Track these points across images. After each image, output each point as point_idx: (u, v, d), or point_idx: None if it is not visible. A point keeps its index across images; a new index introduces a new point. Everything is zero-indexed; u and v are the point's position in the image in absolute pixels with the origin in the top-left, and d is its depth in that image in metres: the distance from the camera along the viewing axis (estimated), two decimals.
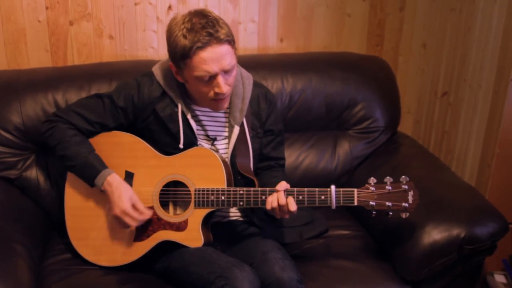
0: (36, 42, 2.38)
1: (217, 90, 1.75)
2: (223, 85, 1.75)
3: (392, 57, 2.79)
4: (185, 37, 1.70)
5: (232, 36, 1.75)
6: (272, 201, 1.75)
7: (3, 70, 2.32)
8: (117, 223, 1.85)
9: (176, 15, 1.77)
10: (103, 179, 1.82)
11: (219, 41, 1.70)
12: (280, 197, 1.75)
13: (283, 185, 1.77)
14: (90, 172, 1.84)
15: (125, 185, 1.84)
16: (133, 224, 1.82)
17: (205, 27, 1.69)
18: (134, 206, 1.82)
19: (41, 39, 2.38)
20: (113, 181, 1.83)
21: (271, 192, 1.77)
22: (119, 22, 2.43)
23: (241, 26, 2.57)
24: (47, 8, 2.34)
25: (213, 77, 1.74)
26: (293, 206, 1.74)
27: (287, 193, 1.77)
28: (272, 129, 2.02)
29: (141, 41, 2.48)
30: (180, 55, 1.73)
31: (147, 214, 1.84)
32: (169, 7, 2.46)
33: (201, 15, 1.72)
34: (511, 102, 2.22)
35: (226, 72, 1.75)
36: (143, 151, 1.89)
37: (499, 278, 2.41)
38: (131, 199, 1.82)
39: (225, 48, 1.72)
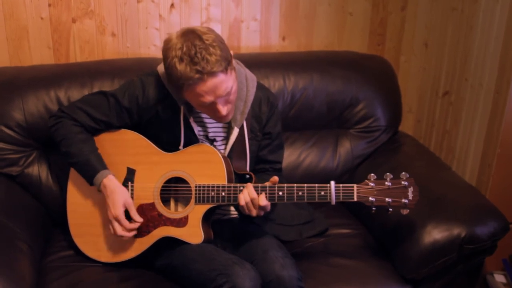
0: (38, 39, 2.38)
1: (217, 114, 1.76)
2: (222, 109, 1.75)
3: (393, 56, 2.79)
4: (177, 68, 1.67)
5: (225, 59, 1.69)
6: (244, 197, 1.76)
7: (5, 66, 2.31)
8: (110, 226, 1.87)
9: (170, 37, 1.72)
10: (100, 181, 1.83)
11: (211, 74, 1.67)
12: (250, 191, 1.76)
13: (275, 179, 1.77)
14: (89, 172, 1.85)
15: (121, 189, 1.84)
16: (119, 233, 1.83)
17: (194, 63, 1.64)
18: (127, 209, 1.84)
19: (44, 36, 2.38)
20: (109, 184, 1.83)
21: (271, 188, 1.77)
22: (122, 20, 2.44)
23: (243, 24, 2.57)
24: (49, 5, 2.34)
25: (211, 103, 1.73)
26: (262, 201, 1.75)
27: (277, 189, 1.77)
28: (270, 132, 2.01)
29: (144, 39, 2.49)
30: (175, 83, 1.73)
31: (137, 222, 1.85)
32: (172, 5, 2.46)
33: (192, 44, 1.65)
34: None
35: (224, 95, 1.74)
36: (145, 148, 1.90)
37: (499, 278, 2.41)
38: (125, 204, 1.84)
39: (219, 78, 1.68)
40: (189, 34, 1.69)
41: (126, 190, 1.86)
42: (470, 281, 2.06)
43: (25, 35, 2.36)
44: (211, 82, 1.68)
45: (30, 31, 2.36)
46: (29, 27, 2.35)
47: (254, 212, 1.77)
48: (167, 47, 1.72)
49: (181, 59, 1.67)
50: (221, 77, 1.69)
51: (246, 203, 1.76)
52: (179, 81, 1.69)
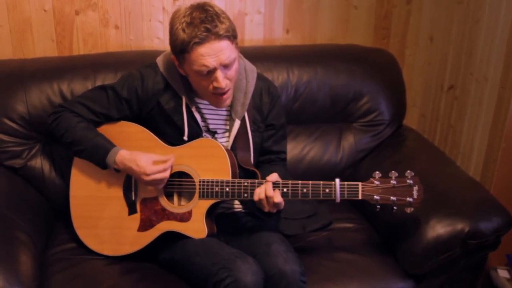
0: (42, 32, 2.38)
1: (215, 84, 1.75)
2: (222, 80, 1.74)
3: (398, 50, 2.77)
4: (184, 31, 1.69)
5: (233, 31, 1.74)
6: (260, 193, 1.76)
7: (8, 59, 2.31)
8: (154, 187, 1.86)
9: (179, 7, 1.76)
10: (113, 158, 1.83)
11: (218, 36, 1.69)
12: (267, 188, 1.75)
13: (273, 176, 1.77)
14: (100, 154, 1.84)
15: (135, 154, 1.83)
16: (166, 174, 1.81)
17: (204, 22, 1.68)
18: (155, 163, 1.82)
19: (47, 29, 2.38)
20: (123, 158, 1.82)
21: (275, 184, 1.77)
22: (125, 12, 2.43)
23: (247, 17, 2.56)
24: None
25: (212, 71, 1.73)
26: (277, 198, 1.74)
27: (282, 185, 1.77)
28: (274, 123, 2.01)
29: (147, 31, 2.48)
30: (179, 49, 1.73)
31: (170, 159, 1.82)
32: None
33: (202, 9, 1.71)
34: None
35: (225, 66, 1.74)
36: (148, 141, 1.89)
37: (503, 273, 2.40)
38: (148, 159, 1.81)
39: (224, 43, 1.70)
40: (199, 5, 1.73)
41: (140, 152, 1.84)
42: (473, 276, 2.06)
43: (28, 28, 2.36)
44: (216, 45, 1.69)
45: (33, 23, 2.35)
46: (32, 19, 2.35)
47: (266, 208, 1.78)
48: (175, 16, 1.74)
49: (189, 23, 1.69)
50: (226, 43, 1.71)
51: (261, 200, 1.76)
52: (183, 44, 1.69)
